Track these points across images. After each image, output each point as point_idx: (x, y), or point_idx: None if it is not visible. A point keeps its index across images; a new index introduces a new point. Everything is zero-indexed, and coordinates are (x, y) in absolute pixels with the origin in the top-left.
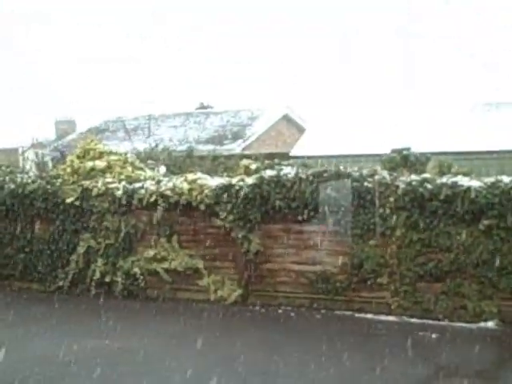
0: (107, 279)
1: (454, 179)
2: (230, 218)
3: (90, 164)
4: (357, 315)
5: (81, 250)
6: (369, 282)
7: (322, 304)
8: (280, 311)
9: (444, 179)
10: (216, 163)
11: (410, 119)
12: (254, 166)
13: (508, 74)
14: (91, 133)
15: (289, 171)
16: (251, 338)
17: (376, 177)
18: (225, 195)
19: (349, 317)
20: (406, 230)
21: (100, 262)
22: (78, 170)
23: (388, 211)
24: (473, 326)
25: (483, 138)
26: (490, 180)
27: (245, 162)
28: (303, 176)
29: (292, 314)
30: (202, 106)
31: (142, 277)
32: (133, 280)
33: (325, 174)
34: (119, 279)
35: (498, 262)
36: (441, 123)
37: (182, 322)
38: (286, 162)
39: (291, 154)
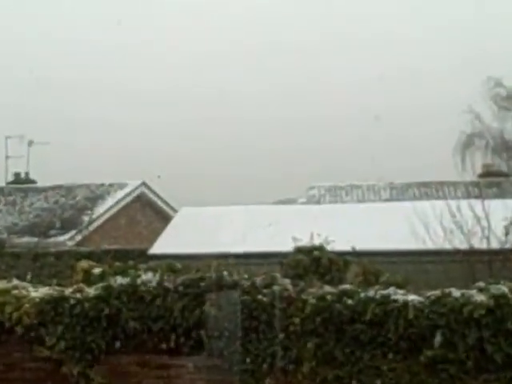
0: None
1: (385, 292)
2: (61, 345)
3: None
4: None
5: None
6: None
7: None
8: None
9: (371, 292)
10: (39, 264)
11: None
12: (97, 271)
13: None
14: None
15: (149, 278)
16: None
17: (275, 287)
18: (53, 313)
19: None
20: (316, 365)
21: None
22: None
23: (292, 337)
24: None
25: (411, 234)
26: (434, 293)
27: (84, 263)
28: (170, 286)
29: None
30: (19, 180)
31: None
32: None
33: (201, 284)
34: None
35: None
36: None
37: None
38: (144, 265)
39: (151, 252)
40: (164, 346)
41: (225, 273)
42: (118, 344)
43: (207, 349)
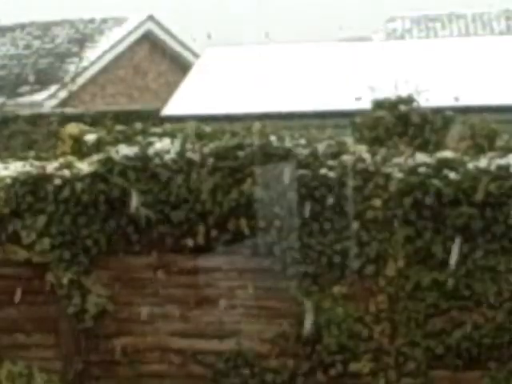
0: None
1: (504, 161)
2: (45, 244)
3: None
4: None
5: None
6: (334, 371)
7: None
8: None
9: (483, 161)
10: (7, 132)
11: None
12: (91, 138)
13: None
14: None
15: (166, 147)
16: None
17: (345, 157)
18: (32, 198)
19: None
20: (406, 265)
21: None
22: None
23: (370, 226)
24: None
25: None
26: None
27: (72, 128)
28: (196, 157)
29: None
30: None
31: None
32: None
33: (240, 153)
34: None
35: None
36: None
37: None
38: (158, 129)
39: (166, 113)
40: (189, 242)
41: (272, 138)
42: (124, 240)
43: (250, 245)
